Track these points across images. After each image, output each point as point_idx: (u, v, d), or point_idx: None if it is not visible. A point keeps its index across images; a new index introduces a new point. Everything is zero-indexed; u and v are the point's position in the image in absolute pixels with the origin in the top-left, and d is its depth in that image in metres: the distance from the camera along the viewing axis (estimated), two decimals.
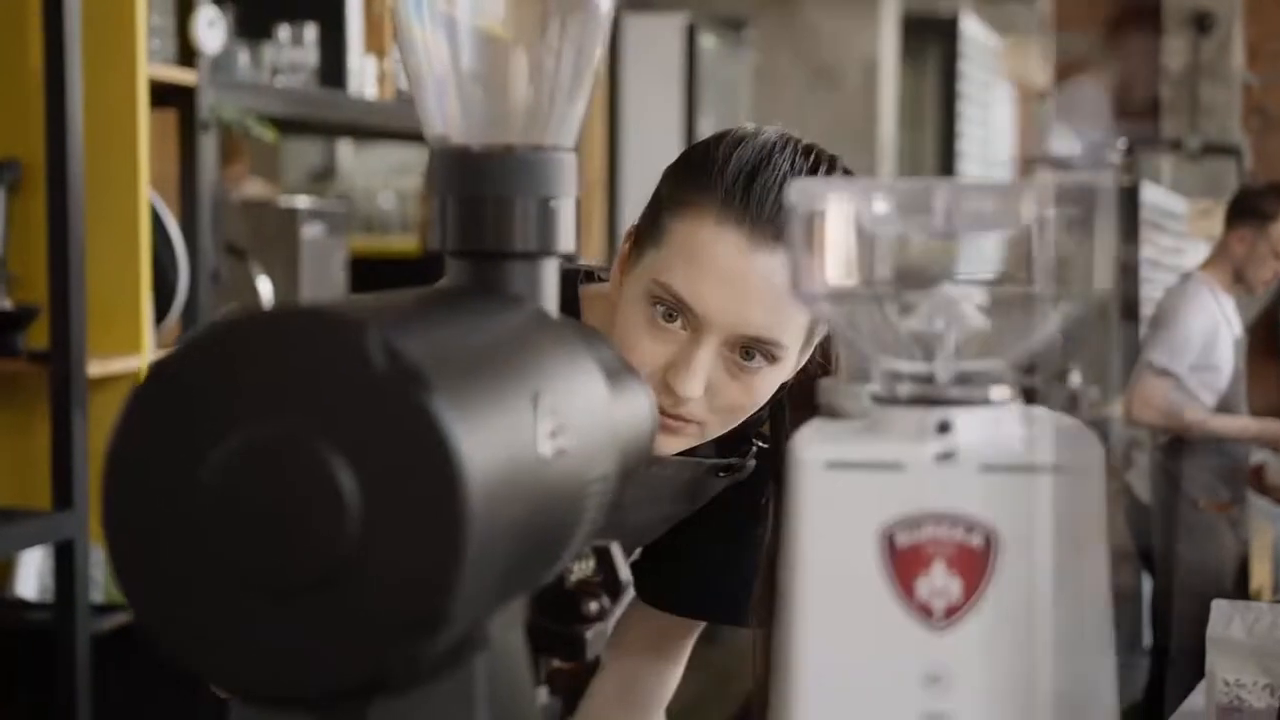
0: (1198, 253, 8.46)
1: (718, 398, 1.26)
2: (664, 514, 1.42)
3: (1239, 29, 9.52)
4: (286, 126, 3.51)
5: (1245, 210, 4.41)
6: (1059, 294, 0.67)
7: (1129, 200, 7.11)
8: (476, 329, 0.69)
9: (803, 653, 0.67)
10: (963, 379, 0.68)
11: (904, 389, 0.69)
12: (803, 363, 1.35)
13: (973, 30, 7.68)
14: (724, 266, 1.23)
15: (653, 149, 4.69)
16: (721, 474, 1.42)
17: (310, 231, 3.12)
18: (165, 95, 2.68)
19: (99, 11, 2.49)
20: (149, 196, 2.54)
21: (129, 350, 2.53)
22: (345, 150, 5.57)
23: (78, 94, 2.37)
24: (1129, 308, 7.28)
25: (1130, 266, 6.76)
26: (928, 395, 0.68)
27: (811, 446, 0.67)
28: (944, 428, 0.67)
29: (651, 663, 1.54)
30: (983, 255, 0.71)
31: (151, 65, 2.58)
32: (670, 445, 1.29)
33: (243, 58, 2.97)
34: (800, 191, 0.68)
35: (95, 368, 2.43)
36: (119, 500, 0.62)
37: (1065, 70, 9.58)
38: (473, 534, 0.59)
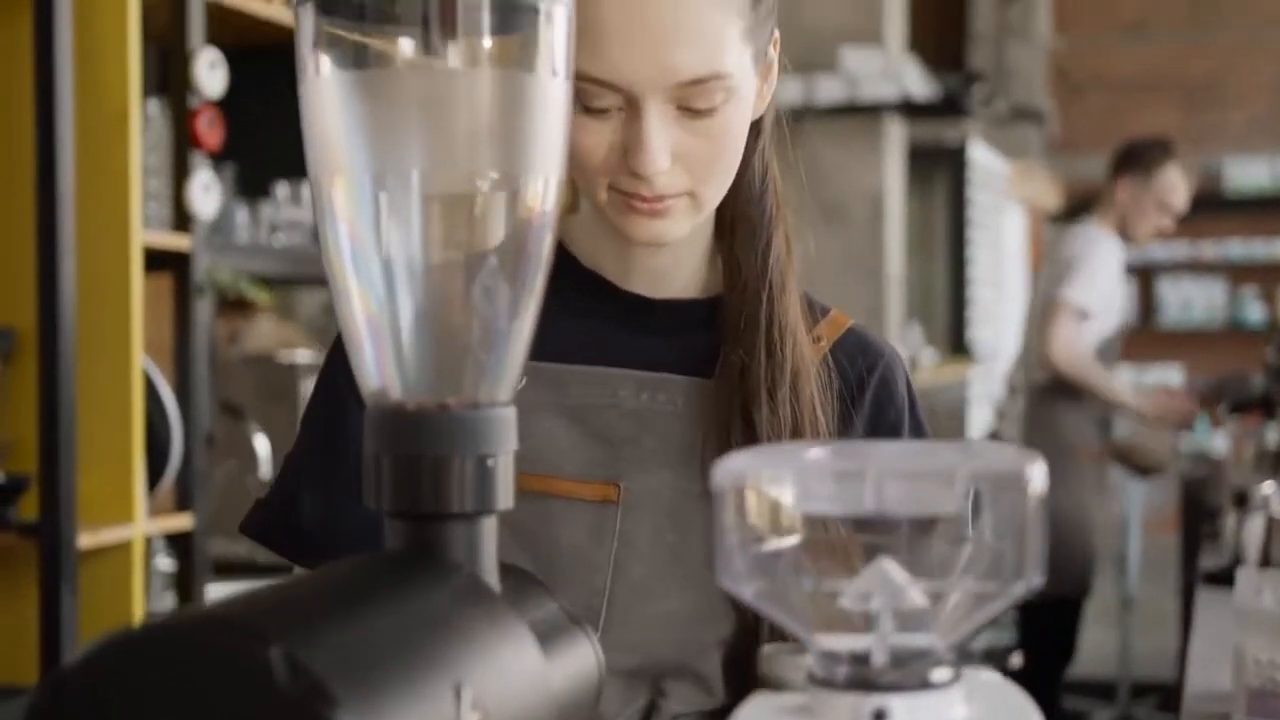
0: (1015, 213, 8.47)
1: (691, 159, 1.13)
2: None
3: None
4: (288, 280, 3.52)
5: (1130, 160, 4.47)
6: (993, 580, 0.64)
7: (957, 158, 7.20)
8: (397, 617, 0.66)
9: None
10: (900, 660, 0.66)
11: (840, 670, 0.66)
12: (772, 83, 1.22)
13: (980, 156, 7.73)
14: (624, 24, 1.09)
15: None
16: None
17: (310, 386, 3.11)
18: (160, 260, 2.69)
19: (94, 178, 2.50)
20: (142, 364, 2.54)
21: (121, 520, 2.51)
22: None
23: (71, 262, 2.38)
24: (958, 270, 7.33)
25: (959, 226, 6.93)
26: (863, 678, 0.66)
27: None
28: (879, 717, 0.64)
29: None
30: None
31: (147, 232, 2.59)
32: (671, 229, 1.16)
33: (241, 216, 2.99)
34: (727, 471, 0.66)
35: (86, 539, 2.41)
36: None
37: (1074, 191, 9.65)
38: None
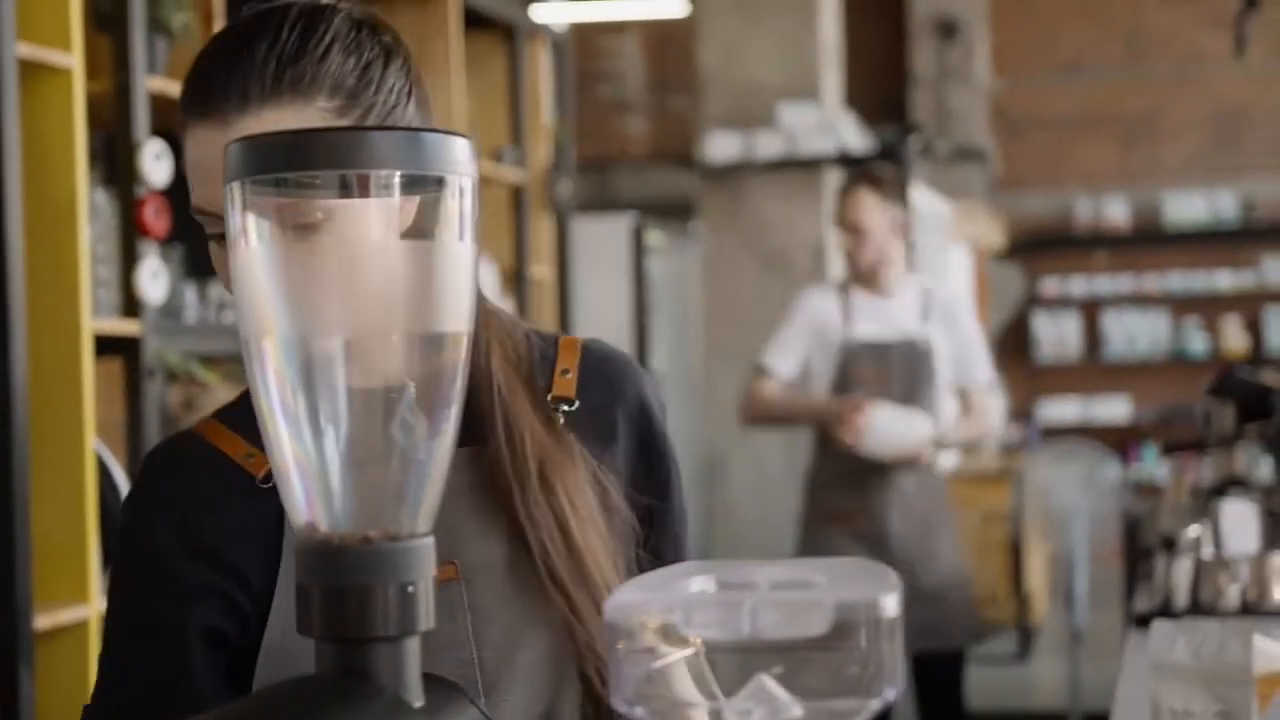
0: (959, 254, 8.59)
1: None
2: None
3: (984, 34, 9.78)
4: (238, 358, 3.57)
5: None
6: (854, 695, 0.73)
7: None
8: None
9: None
10: None
11: None
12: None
13: (922, 199, 7.85)
14: (202, 158, 1.20)
15: None
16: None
17: None
18: (111, 345, 2.75)
19: (43, 268, 2.56)
20: (94, 448, 2.60)
21: (76, 600, 2.57)
22: None
23: (22, 350, 2.44)
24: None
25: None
26: None
27: None
28: None
29: None
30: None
31: (96, 319, 2.65)
32: None
33: (189, 296, 3.05)
34: (617, 605, 0.74)
35: (42, 620, 2.46)
36: None
37: (1017, 228, 9.80)
38: None
